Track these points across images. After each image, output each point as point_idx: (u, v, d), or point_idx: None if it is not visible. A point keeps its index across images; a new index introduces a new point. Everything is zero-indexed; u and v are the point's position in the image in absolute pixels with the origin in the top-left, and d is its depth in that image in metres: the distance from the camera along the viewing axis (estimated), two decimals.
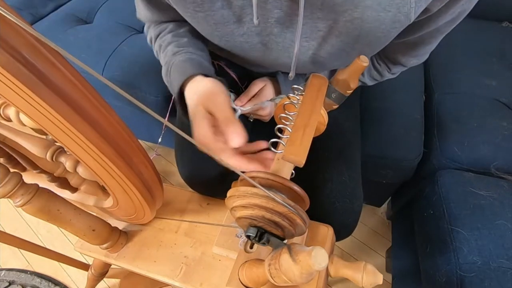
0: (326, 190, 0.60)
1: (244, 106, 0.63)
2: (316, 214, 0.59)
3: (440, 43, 0.99)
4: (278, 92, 0.67)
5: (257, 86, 0.65)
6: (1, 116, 0.40)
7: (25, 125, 0.39)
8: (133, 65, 0.93)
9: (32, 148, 0.42)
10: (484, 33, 1.05)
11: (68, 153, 0.44)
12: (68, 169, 0.44)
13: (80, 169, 0.44)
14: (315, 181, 0.61)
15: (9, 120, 0.40)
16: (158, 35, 0.58)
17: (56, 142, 0.42)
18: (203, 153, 0.58)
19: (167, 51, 0.54)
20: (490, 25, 1.08)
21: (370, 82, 0.68)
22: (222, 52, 0.63)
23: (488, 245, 0.61)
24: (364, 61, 0.41)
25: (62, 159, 0.44)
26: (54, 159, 0.43)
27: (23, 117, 0.39)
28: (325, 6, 0.41)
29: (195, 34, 0.57)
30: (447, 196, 0.70)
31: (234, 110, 0.63)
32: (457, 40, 1.03)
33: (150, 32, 0.60)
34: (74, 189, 0.55)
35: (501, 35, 1.04)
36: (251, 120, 0.70)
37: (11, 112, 0.40)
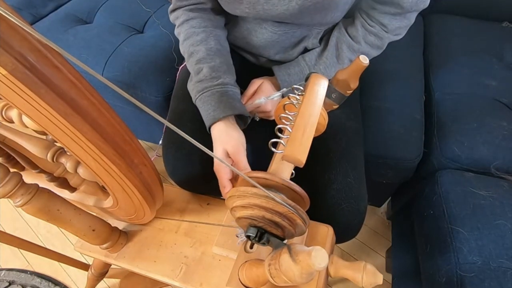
0: (331, 191, 0.60)
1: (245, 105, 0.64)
2: (321, 215, 0.58)
3: (441, 43, 0.99)
4: (276, 86, 0.68)
5: (255, 84, 0.66)
6: (3, 118, 0.40)
7: (27, 127, 0.39)
8: (133, 65, 0.93)
9: (33, 148, 0.42)
10: (484, 33, 1.05)
11: (68, 153, 0.44)
12: (68, 169, 0.44)
13: (80, 170, 0.44)
14: (320, 182, 0.61)
15: (11, 121, 0.40)
16: (188, 37, 0.63)
17: (56, 142, 0.42)
18: (185, 151, 0.60)
19: (203, 69, 0.60)
20: (490, 25, 1.08)
21: (373, 52, 0.66)
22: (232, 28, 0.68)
23: (488, 245, 0.61)
24: (364, 61, 0.41)
25: (63, 160, 0.44)
26: (54, 159, 0.43)
27: (25, 119, 0.39)
28: None
29: (223, 49, 0.64)
30: (447, 196, 0.70)
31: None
32: (457, 40, 1.03)
33: (179, 28, 0.65)
34: (73, 189, 0.55)
35: (501, 35, 1.04)
36: (257, 120, 0.71)
37: (13, 114, 0.40)
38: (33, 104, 0.29)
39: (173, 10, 0.65)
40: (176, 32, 0.66)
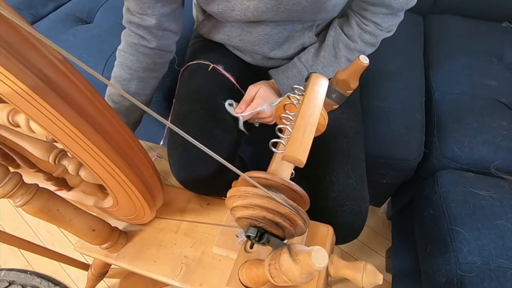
0: (333, 193, 0.60)
1: (244, 112, 0.64)
2: (323, 217, 0.58)
3: (441, 43, 0.99)
4: (274, 89, 0.68)
5: (252, 90, 0.66)
6: (10, 122, 0.39)
7: (34, 132, 0.39)
8: None
9: (35, 151, 0.42)
10: (484, 33, 1.05)
11: (70, 156, 0.44)
12: (70, 172, 0.44)
13: (82, 173, 0.44)
14: (321, 184, 0.61)
15: (18, 126, 0.40)
16: (117, 66, 0.67)
17: (56, 142, 0.42)
18: (191, 152, 0.60)
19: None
20: (490, 25, 1.08)
21: (368, 49, 0.67)
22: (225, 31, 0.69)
23: (488, 245, 0.61)
24: (364, 61, 0.41)
25: (65, 162, 0.43)
26: (56, 162, 0.43)
27: (32, 124, 0.39)
28: None
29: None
30: (447, 196, 0.70)
31: (236, 118, 0.65)
32: (457, 40, 1.03)
33: (122, 48, 0.67)
34: (70, 188, 0.54)
35: (501, 35, 1.04)
36: (257, 125, 0.71)
37: (20, 119, 0.39)
38: (38, 108, 0.29)
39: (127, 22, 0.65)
40: (119, 47, 0.67)
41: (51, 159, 0.42)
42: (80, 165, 0.44)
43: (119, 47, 0.67)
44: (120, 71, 0.66)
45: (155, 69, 0.68)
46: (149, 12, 0.60)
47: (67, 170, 0.45)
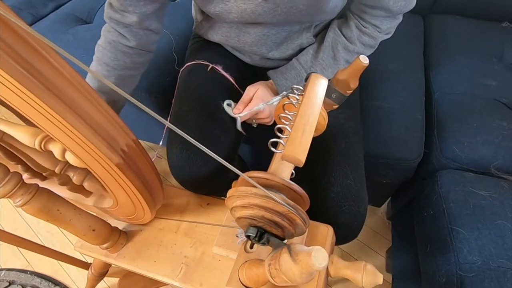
0: (331, 193, 0.60)
1: (242, 112, 0.64)
2: (322, 217, 0.58)
3: (441, 43, 0.98)
4: (272, 90, 0.68)
5: (250, 91, 0.66)
6: (41, 149, 0.38)
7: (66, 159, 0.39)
8: None
9: (44, 162, 0.42)
10: (484, 33, 1.05)
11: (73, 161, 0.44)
12: (75, 182, 0.44)
13: (86, 184, 0.44)
14: (320, 184, 0.61)
15: (48, 151, 0.39)
16: (96, 61, 0.65)
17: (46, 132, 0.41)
18: (190, 151, 0.60)
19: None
20: (490, 25, 1.08)
21: (366, 51, 0.67)
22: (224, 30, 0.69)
23: (488, 245, 0.61)
24: (364, 61, 0.41)
25: (71, 173, 0.44)
26: (62, 172, 0.43)
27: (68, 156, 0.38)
28: None
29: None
30: (447, 196, 0.70)
31: (234, 118, 0.65)
32: (457, 40, 1.03)
33: (102, 42, 0.64)
34: (44, 178, 0.54)
35: (501, 35, 1.04)
36: (255, 126, 0.71)
37: (53, 148, 0.38)
38: (31, 104, 0.29)
39: (107, 19, 0.63)
40: (99, 42, 0.66)
41: (57, 170, 0.43)
42: (85, 176, 0.44)
43: (98, 42, 0.66)
44: (97, 67, 0.65)
45: (133, 67, 0.67)
46: (131, 10, 0.59)
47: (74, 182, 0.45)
